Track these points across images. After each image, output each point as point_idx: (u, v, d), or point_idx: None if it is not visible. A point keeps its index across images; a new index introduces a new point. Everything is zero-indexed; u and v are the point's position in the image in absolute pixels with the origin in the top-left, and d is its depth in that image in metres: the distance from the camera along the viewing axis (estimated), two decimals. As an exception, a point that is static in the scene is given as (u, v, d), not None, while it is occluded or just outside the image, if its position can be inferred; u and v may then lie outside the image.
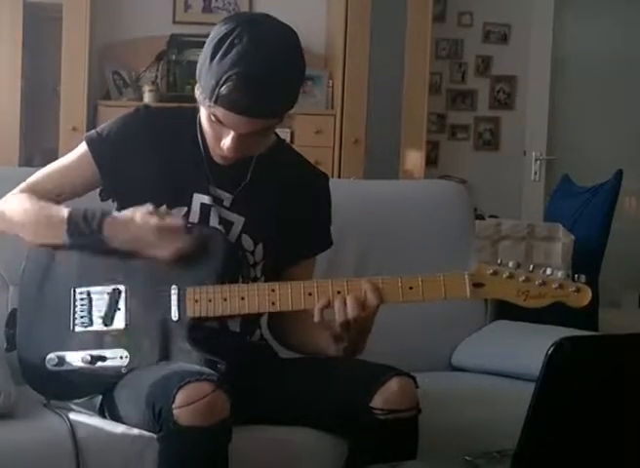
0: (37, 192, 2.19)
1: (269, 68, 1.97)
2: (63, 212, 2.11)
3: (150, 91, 4.94)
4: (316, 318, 2.02)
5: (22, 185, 2.22)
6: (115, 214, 2.11)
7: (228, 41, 1.98)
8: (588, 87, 6.00)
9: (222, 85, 1.96)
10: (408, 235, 2.89)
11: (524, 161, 5.94)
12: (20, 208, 2.17)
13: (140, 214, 2.06)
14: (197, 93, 2.06)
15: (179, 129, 2.20)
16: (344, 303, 2.01)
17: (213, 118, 2.03)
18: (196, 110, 2.20)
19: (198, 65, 2.04)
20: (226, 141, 2.05)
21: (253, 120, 2.01)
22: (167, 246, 2.05)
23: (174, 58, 4.98)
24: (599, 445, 1.49)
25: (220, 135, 2.06)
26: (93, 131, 2.23)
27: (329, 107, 5.20)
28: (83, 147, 2.21)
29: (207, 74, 2.00)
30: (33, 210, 2.15)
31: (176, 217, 2.08)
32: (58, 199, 2.19)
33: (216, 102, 1.99)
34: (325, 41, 5.33)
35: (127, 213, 2.08)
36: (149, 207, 2.06)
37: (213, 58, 1.98)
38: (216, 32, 2.02)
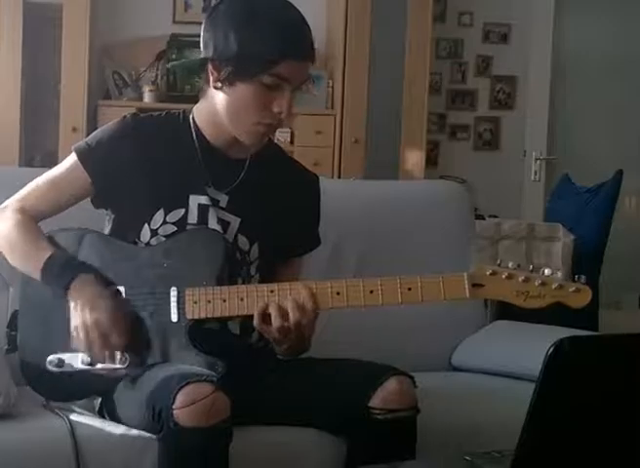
0: (29, 208, 2.18)
1: (296, 10, 2.07)
2: (44, 255, 2.10)
3: (150, 91, 4.95)
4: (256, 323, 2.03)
5: (15, 202, 2.20)
6: (84, 282, 2.09)
7: (260, 5, 2.03)
8: (588, 87, 6.00)
9: (287, 36, 2.00)
10: (408, 235, 2.89)
11: (524, 161, 5.95)
12: (7, 238, 2.16)
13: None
14: (223, 76, 2.04)
15: (169, 133, 2.19)
16: (281, 310, 2.00)
17: (270, 81, 2.02)
18: (187, 112, 2.20)
19: (234, 44, 2.01)
20: (284, 102, 2.05)
21: (308, 63, 2.07)
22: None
23: (174, 57, 4.97)
24: (599, 445, 1.49)
25: (268, 103, 2.05)
26: (81, 142, 2.21)
27: (329, 107, 5.20)
28: (73, 159, 2.19)
29: (259, 40, 2.00)
30: (18, 243, 2.15)
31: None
32: (52, 212, 2.20)
33: (284, 56, 2.00)
34: (325, 41, 5.33)
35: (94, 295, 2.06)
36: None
37: (258, 23, 2.00)
38: (233, 10, 2.04)
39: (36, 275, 2.11)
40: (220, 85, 2.07)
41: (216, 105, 2.12)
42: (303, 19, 2.07)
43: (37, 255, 2.11)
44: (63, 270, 2.09)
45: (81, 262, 2.12)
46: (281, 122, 2.09)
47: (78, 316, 2.04)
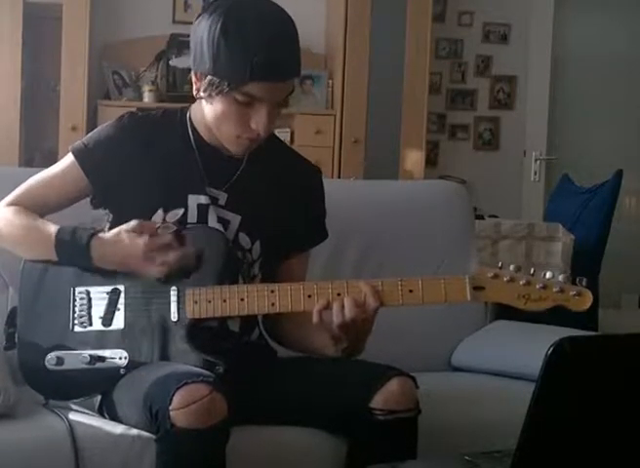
0: (25, 205, 2.18)
1: (282, 27, 2.03)
2: (51, 229, 2.11)
3: (150, 91, 4.95)
4: (315, 319, 2.02)
5: (10, 198, 2.20)
6: (102, 234, 2.09)
7: (234, 23, 1.98)
8: (588, 87, 6.01)
9: (255, 58, 1.97)
10: (408, 235, 2.89)
11: (524, 161, 5.95)
12: (8, 224, 2.16)
13: (126, 234, 2.05)
14: (202, 88, 2.05)
15: (167, 132, 2.19)
16: (343, 305, 2.00)
17: (242, 99, 2.01)
18: (184, 111, 2.20)
19: (207, 60, 2.01)
20: (260, 119, 2.04)
21: (284, 83, 2.03)
22: (155, 265, 2.05)
23: (173, 57, 4.97)
24: (599, 445, 1.49)
25: (246, 118, 2.05)
26: (78, 141, 2.20)
27: (329, 107, 5.20)
28: (70, 158, 2.19)
29: (228, 60, 1.98)
30: (22, 226, 2.15)
31: (165, 232, 2.06)
32: (46, 211, 2.19)
33: (251, 79, 1.98)
34: (325, 41, 5.33)
35: (114, 232, 2.07)
36: (134, 223, 2.06)
37: (228, 43, 1.98)
38: (209, 24, 2.00)
39: (50, 254, 2.10)
40: (201, 95, 2.07)
41: (204, 112, 2.12)
42: (287, 35, 2.03)
43: (44, 235, 2.11)
44: (77, 235, 2.08)
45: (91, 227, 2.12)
46: (260, 136, 2.08)
47: (124, 247, 2.04)
